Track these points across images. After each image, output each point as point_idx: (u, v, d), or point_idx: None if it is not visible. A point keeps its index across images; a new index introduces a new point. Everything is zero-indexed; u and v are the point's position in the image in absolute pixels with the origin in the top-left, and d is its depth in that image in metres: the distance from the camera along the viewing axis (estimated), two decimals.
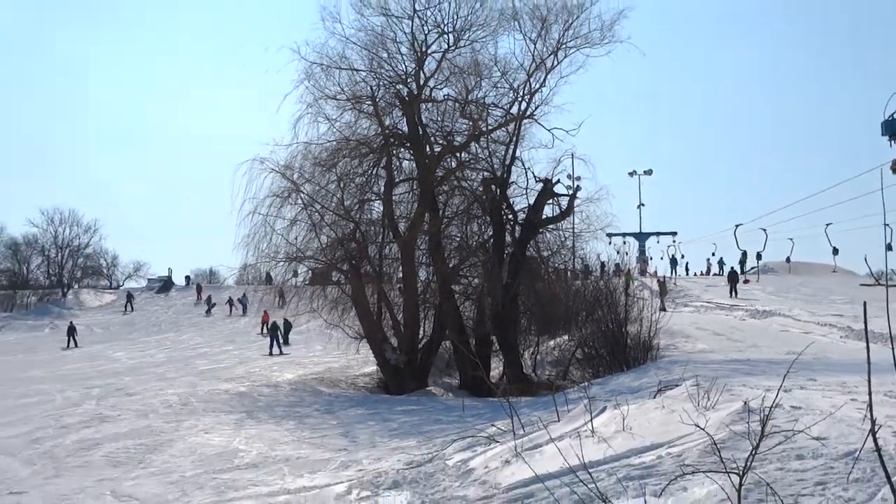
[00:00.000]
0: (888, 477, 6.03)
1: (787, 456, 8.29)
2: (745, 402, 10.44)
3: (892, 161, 22.48)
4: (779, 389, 8.60)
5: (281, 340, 41.54)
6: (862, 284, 45.93)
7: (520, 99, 30.36)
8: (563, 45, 29.71)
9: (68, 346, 50.91)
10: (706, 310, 42.20)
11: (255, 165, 29.13)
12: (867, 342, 6.46)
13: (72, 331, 52.67)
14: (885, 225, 32.06)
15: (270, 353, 40.02)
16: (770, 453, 8.24)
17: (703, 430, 8.06)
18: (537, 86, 30.06)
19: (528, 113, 30.23)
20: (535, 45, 29.82)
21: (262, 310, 49.29)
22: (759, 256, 63.85)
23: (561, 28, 29.59)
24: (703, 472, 7.66)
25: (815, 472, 7.77)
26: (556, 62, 29.91)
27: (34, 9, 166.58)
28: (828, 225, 58.76)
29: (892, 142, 22.38)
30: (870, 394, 6.42)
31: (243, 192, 29.14)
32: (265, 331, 46.99)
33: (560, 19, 29.58)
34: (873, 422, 6.20)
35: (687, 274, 75.05)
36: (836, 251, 61.19)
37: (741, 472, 6.31)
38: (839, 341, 25.93)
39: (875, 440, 6.07)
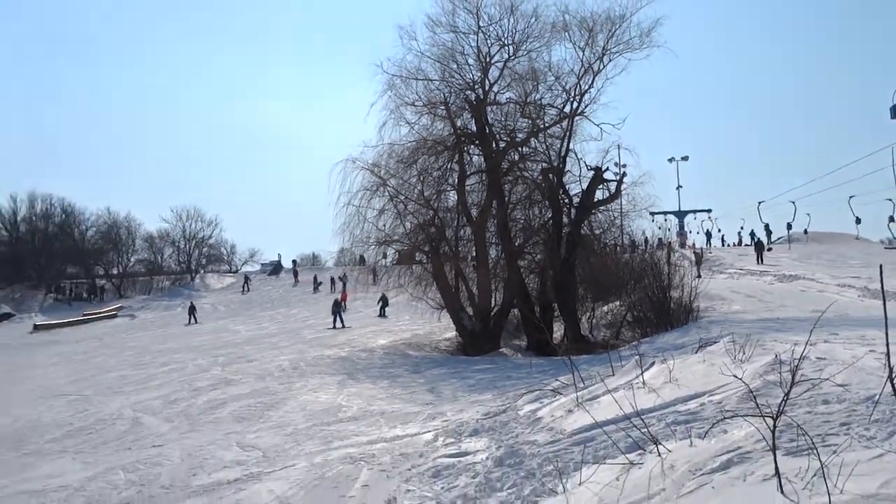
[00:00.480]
0: None
1: (815, 401, 8.17)
2: (777, 355, 10.33)
3: None
4: (806, 343, 8.46)
5: (343, 316, 41.24)
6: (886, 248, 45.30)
7: (571, 99, 30.44)
8: (608, 51, 29.82)
9: (189, 322, 51.89)
10: (739, 276, 41.56)
11: (348, 164, 29.98)
12: (884, 299, 6.34)
13: (192, 310, 53.71)
14: (888, 199, 31.76)
15: (333, 327, 39.50)
16: (799, 399, 8.12)
17: (740, 379, 7.98)
18: (586, 87, 30.19)
19: (578, 111, 30.34)
20: (583, 52, 29.97)
21: (342, 290, 50.11)
22: (789, 226, 63.10)
23: (605, 36, 29.73)
24: (742, 416, 7.59)
25: (839, 414, 7.64)
26: (601, 66, 30.02)
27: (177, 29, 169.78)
28: (851, 197, 57.96)
29: None
30: (887, 344, 6.31)
31: (339, 187, 29.94)
32: (345, 307, 47.56)
33: (605, 29, 29.70)
34: (891, 369, 6.09)
35: (723, 245, 74.28)
36: (858, 221, 59.99)
37: (775, 416, 6.23)
38: (857, 300, 25.36)
39: (893, 385, 5.97)
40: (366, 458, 11.61)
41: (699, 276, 34.55)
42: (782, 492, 5.72)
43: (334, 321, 40.29)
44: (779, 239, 66.34)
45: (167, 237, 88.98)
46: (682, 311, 24.07)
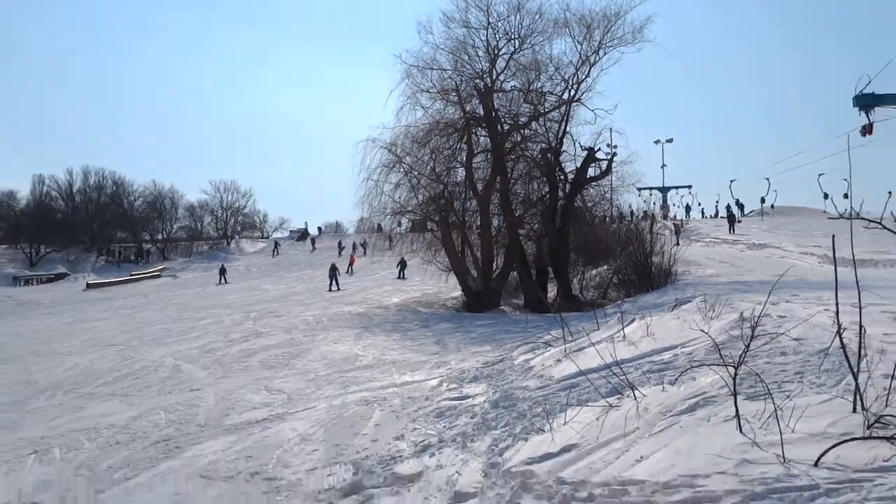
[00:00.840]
0: (850, 366, 5.97)
1: (774, 353, 8.24)
2: (741, 313, 10.37)
3: (860, 126, 21.92)
4: (765, 303, 8.49)
5: (339, 280, 40.83)
6: (829, 218, 45.39)
7: (569, 87, 30.26)
8: (604, 45, 29.67)
9: (220, 282, 52.10)
10: (714, 244, 41.62)
11: (368, 144, 30.13)
12: (835, 265, 6.37)
13: (223, 271, 54.03)
14: (845, 180, 31.82)
15: (329, 290, 39.13)
16: (760, 351, 8.18)
17: (707, 334, 8.04)
18: (583, 77, 30.01)
19: (575, 98, 30.14)
20: (581, 45, 29.82)
21: (350, 255, 50.28)
22: (762, 201, 62.97)
23: (602, 32, 29.58)
24: (708, 365, 7.67)
25: (794, 364, 7.72)
26: (597, 58, 29.86)
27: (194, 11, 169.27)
28: (820, 175, 57.80)
29: (862, 112, 21.84)
30: (836, 304, 6.34)
31: (359, 163, 30.17)
32: (350, 271, 47.59)
33: (601, 25, 29.56)
34: (840, 325, 6.12)
35: (702, 217, 74.27)
36: (826, 196, 59.68)
37: (736, 365, 6.29)
38: (817, 266, 25.39)
39: (841, 340, 6.00)
40: (378, 401, 11.72)
41: (678, 244, 34.97)
42: (741, 430, 5.81)
43: (330, 284, 40.06)
44: (751, 212, 66.41)
45: (206, 207, 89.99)
46: (661, 275, 24.14)
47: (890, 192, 36.31)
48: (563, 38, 30.46)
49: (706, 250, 37.63)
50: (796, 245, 33.79)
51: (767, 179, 63.72)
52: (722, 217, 63.74)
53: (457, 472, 7.21)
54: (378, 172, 29.93)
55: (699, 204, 76.97)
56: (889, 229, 3.63)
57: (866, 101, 21.82)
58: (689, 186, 76.52)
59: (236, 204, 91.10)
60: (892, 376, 5.91)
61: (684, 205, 74.63)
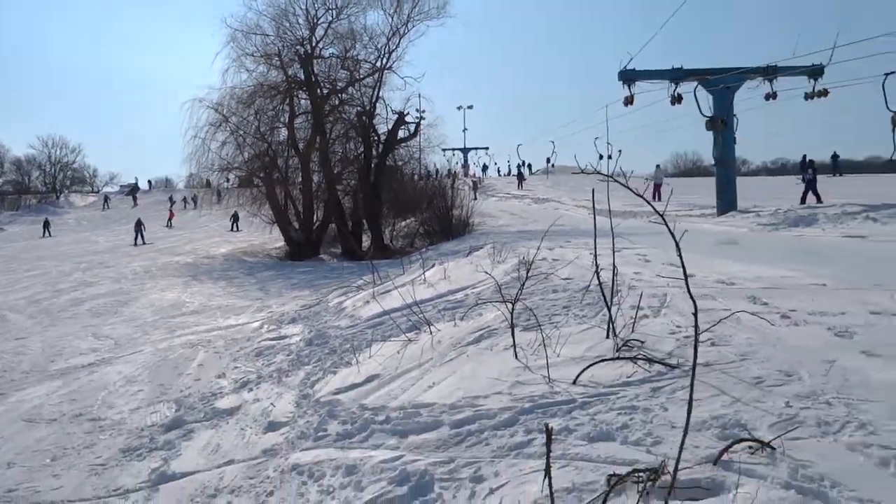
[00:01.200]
0: (605, 300, 6.34)
1: (546, 290, 8.61)
2: (522, 257, 10.75)
3: (623, 98, 23.16)
4: (538, 248, 8.86)
5: (144, 234, 38.11)
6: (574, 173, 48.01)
7: (382, 56, 30.11)
8: (412, 19, 29.94)
9: (43, 235, 47.93)
10: (505, 199, 43.01)
11: (195, 104, 28.79)
12: (594, 216, 6.71)
13: (46, 224, 49.52)
14: (608, 143, 33.90)
15: (135, 244, 36.69)
16: (536, 289, 8.55)
17: (491, 276, 8.28)
18: (394, 47, 30.01)
19: (387, 66, 30.08)
20: (392, 18, 29.84)
21: (169, 209, 48.43)
22: (548, 161, 65.41)
23: (410, 6, 29.83)
24: (491, 302, 7.91)
25: (563, 300, 8.10)
26: (406, 30, 30.00)
27: None
28: (596, 139, 60.48)
29: (625, 85, 23.06)
30: (595, 248, 6.70)
31: (187, 121, 30.00)
32: (170, 225, 45.70)
33: (410, 0, 29.56)
34: (597, 266, 6.48)
35: (498, 175, 76.38)
36: (601, 157, 62.88)
37: (513, 302, 6.54)
38: (587, 217, 26.76)
39: (598, 278, 6.36)
40: (202, 344, 11.35)
41: (475, 199, 35.83)
42: (517, 357, 6.05)
43: (135, 238, 37.59)
44: (538, 171, 69.05)
45: (34, 161, 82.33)
46: (461, 225, 24.68)
47: (620, 151, 38.97)
48: (377, 10, 30.34)
49: (499, 204, 38.87)
50: (572, 199, 35.47)
51: (552, 142, 67.03)
52: (513, 175, 65.92)
53: (272, 404, 7.11)
54: (205, 131, 28.66)
55: (495, 164, 79.09)
56: (623, 184, 3.84)
57: (627, 76, 23.05)
58: (487, 148, 79.20)
59: (65, 159, 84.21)
60: (637, 307, 6.34)
61: (482, 164, 76.79)
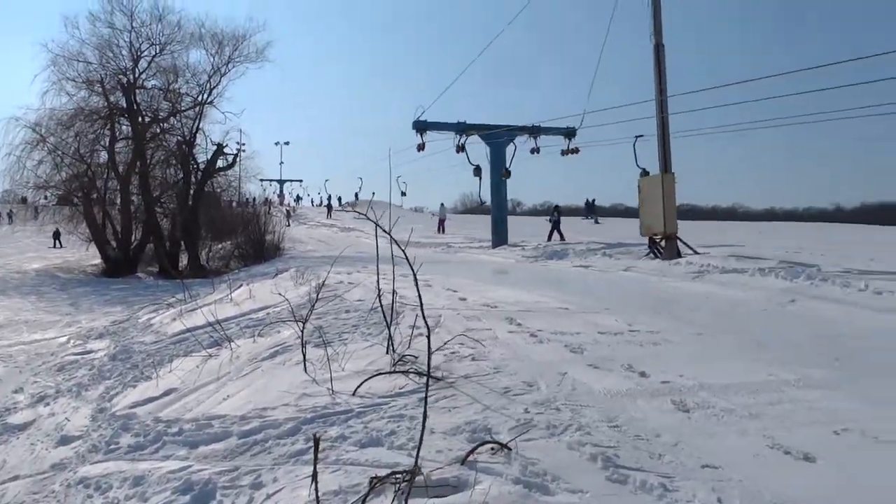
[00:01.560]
0: (386, 320, 6.40)
1: (340, 311, 8.56)
2: (321, 280, 10.57)
3: (416, 144, 23.71)
4: (328, 272, 8.80)
5: None
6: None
7: (203, 91, 28.91)
8: (232, 60, 29.13)
9: None
10: (316, 227, 42.56)
11: (10, 122, 26.12)
12: (377, 244, 6.76)
13: None
14: (403, 182, 35.00)
15: None
16: (331, 309, 8.47)
17: (284, 297, 8.05)
18: (214, 84, 28.94)
19: (208, 101, 28.93)
20: (213, 57, 28.88)
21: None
22: (356, 195, 65.22)
23: (231, 49, 29.01)
24: (286, 321, 7.72)
25: (353, 319, 8.07)
26: (227, 70, 29.09)
27: None
28: (398, 177, 61.28)
29: (418, 134, 23.62)
30: (378, 273, 6.76)
31: (1, 139, 26.51)
32: None
33: (230, 43, 29.01)
34: (379, 289, 6.53)
35: (312, 205, 75.43)
36: (403, 193, 63.79)
37: (304, 321, 6.42)
38: (387, 246, 27.03)
39: (380, 300, 6.40)
40: (3, 358, 10.10)
41: (289, 226, 35.31)
42: (306, 371, 5.93)
43: None
44: (346, 203, 69.13)
45: None
46: (273, 249, 24.13)
47: (374, 193, 39.86)
48: (199, 48, 29.18)
49: (310, 231, 38.43)
50: (373, 228, 35.69)
51: (360, 178, 67.70)
52: (324, 206, 65.44)
53: (66, 418, 6.44)
54: (21, 149, 25.94)
55: (308, 195, 78.37)
56: (374, 221, 3.98)
57: (420, 126, 23.64)
58: (301, 180, 78.67)
59: None
60: (413, 327, 6.46)
61: (296, 195, 75.72)
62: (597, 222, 39.46)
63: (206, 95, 28.83)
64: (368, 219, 4.01)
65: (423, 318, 3.84)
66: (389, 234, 3.93)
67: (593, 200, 46.51)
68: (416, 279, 3.82)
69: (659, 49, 15.81)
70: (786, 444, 3.98)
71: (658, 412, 4.57)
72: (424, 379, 5.26)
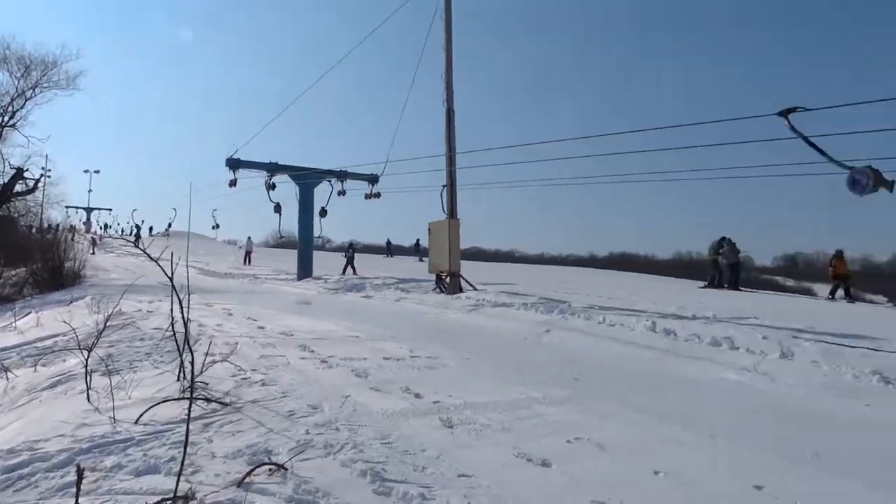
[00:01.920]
0: (178, 347, 5.89)
1: (134, 338, 7.81)
2: (113, 308, 9.57)
3: (229, 180, 22.59)
4: (119, 301, 8.03)
5: None
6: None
7: (4, 114, 25.47)
8: (40, 85, 26.41)
9: None
10: (123, 255, 38.74)
11: None
12: (187, 273, 6.26)
13: None
14: (213, 212, 33.18)
15: None
16: (125, 336, 7.71)
17: (70, 326, 7.15)
18: (18, 107, 25.89)
19: (9, 123, 25.73)
20: (18, 81, 25.90)
21: None
22: (169, 225, 60.50)
23: (39, 74, 26.24)
24: (74, 349, 6.85)
25: (147, 347, 7.39)
26: (33, 94, 26.30)
27: None
28: (214, 210, 57.85)
29: (231, 170, 22.54)
30: (172, 302, 6.22)
31: None
32: None
33: (38, 68, 26.42)
34: (173, 317, 6.03)
35: (121, 234, 68.75)
36: (216, 226, 60.33)
37: (90, 349, 5.76)
38: (198, 275, 25.23)
39: (172, 328, 5.87)
40: None
41: (94, 253, 31.88)
42: (89, 400, 5.27)
43: None
44: (157, 233, 63.83)
45: None
46: (72, 276, 21.49)
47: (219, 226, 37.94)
48: (3, 71, 25.83)
49: (116, 259, 34.88)
50: (183, 259, 33.35)
51: (174, 209, 63.36)
52: (133, 234, 60.06)
53: None
54: None
55: (118, 223, 71.26)
56: (143, 250, 3.75)
57: (233, 164, 22.55)
58: (110, 209, 71.31)
59: None
60: (206, 354, 6.04)
61: (104, 223, 68.68)
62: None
63: (7, 118, 25.60)
64: (141, 249, 3.71)
65: (177, 344, 3.59)
66: (157, 261, 3.67)
67: (389, 241, 48.13)
68: (180, 302, 3.57)
69: (450, 114, 16.65)
70: (529, 452, 4.24)
71: (427, 429, 4.66)
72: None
